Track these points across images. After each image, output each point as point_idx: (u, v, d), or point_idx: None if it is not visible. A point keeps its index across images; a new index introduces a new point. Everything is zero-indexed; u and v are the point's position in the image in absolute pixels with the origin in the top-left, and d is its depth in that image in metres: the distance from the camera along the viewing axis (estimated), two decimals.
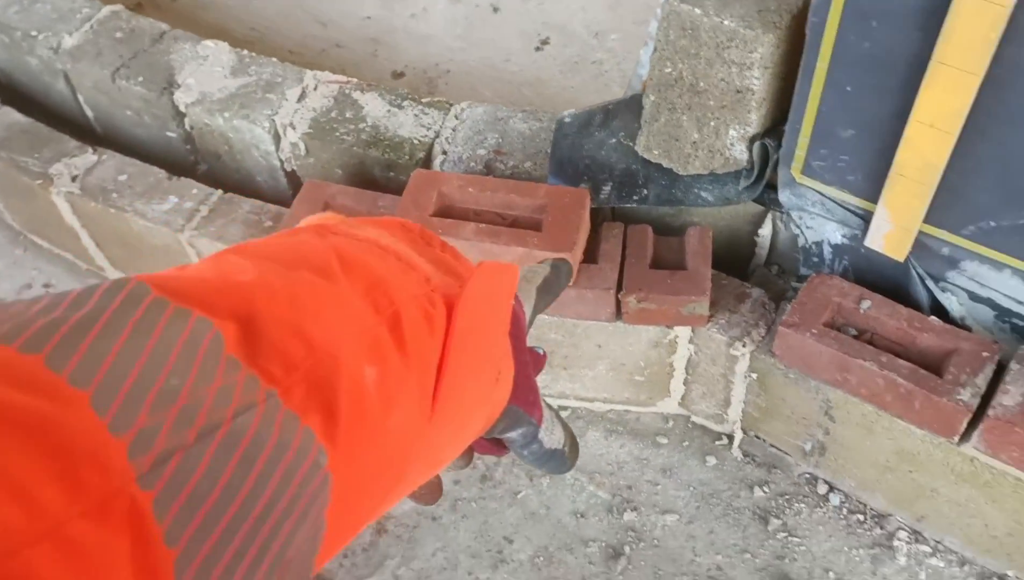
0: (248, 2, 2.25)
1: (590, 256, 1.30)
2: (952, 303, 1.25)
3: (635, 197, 1.33)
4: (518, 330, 0.62)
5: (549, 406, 0.67)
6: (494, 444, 0.66)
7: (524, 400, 0.63)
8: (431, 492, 0.66)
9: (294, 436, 0.40)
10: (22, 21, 1.72)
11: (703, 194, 1.30)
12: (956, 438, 1.18)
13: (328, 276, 0.48)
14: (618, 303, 1.29)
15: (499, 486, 1.45)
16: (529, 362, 0.64)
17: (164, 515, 0.34)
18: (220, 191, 1.52)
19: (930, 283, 1.25)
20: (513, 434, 0.64)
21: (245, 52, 1.64)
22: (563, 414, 1.50)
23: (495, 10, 2.17)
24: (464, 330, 0.52)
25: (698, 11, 1.15)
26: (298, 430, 0.40)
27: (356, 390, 0.44)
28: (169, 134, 1.65)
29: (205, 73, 1.60)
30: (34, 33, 1.69)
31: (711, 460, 1.45)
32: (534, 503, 1.43)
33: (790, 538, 1.37)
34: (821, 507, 1.39)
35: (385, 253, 0.53)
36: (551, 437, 0.66)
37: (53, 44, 1.68)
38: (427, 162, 1.46)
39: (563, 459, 0.68)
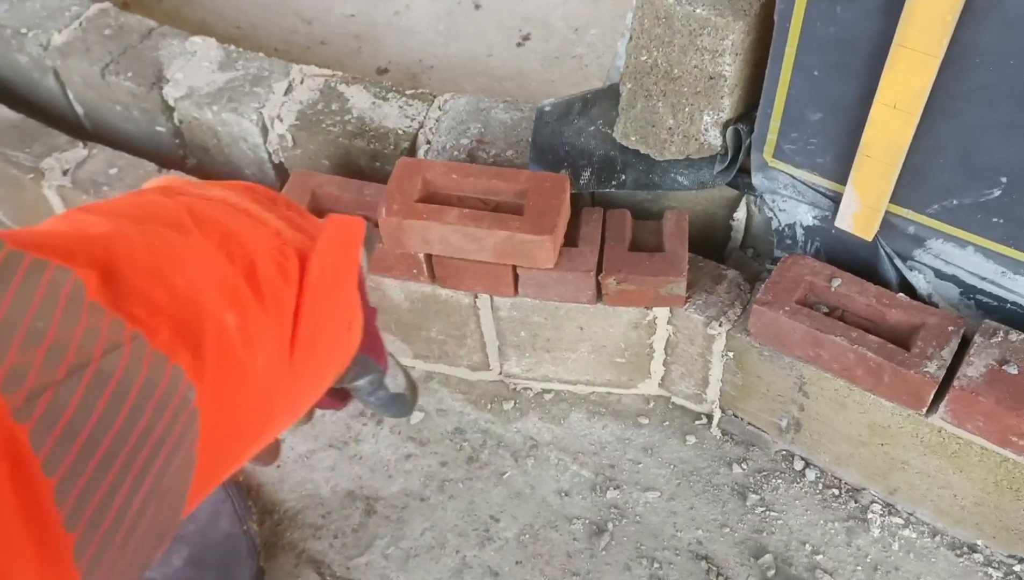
0: (232, 0, 2.28)
1: (571, 240, 1.34)
2: (919, 281, 1.30)
3: (614, 182, 1.38)
4: (363, 283, 0.66)
5: (391, 354, 0.72)
6: (336, 397, 0.70)
7: (371, 348, 0.67)
8: (270, 453, 0.70)
9: (163, 373, 0.42)
10: (11, 19, 1.74)
11: (679, 179, 1.35)
12: (924, 410, 1.23)
13: (181, 230, 0.50)
14: (598, 285, 1.33)
15: (485, 467, 1.48)
16: (373, 311, 0.69)
17: (41, 445, 0.36)
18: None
19: (898, 262, 1.30)
20: (361, 381, 0.68)
21: (232, 47, 1.67)
22: (546, 397, 1.54)
23: (477, 6, 2.21)
24: (317, 280, 0.55)
25: (671, 0, 1.19)
26: (167, 367, 0.42)
27: (220, 333, 0.46)
28: (158, 128, 1.68)
29: (193, 68, 1.63)
30: (23, 30, 1.72)
31: (691, 439, 1.49)
32: (519, 483, 1.46)
33: (768, 512, 1.41)
34: (797, 482, 1.44)
35: (235, 209, 0.56)
36: (395, 382, 0.72)
37: (43, 41, 1.70)
38: (412, 152, 1.50)
39: (404, 402, 0.73)
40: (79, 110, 1.78)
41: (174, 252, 0.47)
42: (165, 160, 1.65)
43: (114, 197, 0.55)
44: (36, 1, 1.78)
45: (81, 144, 1.61)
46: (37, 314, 0.38)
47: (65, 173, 1.57)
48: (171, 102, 1.61)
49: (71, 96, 1.76)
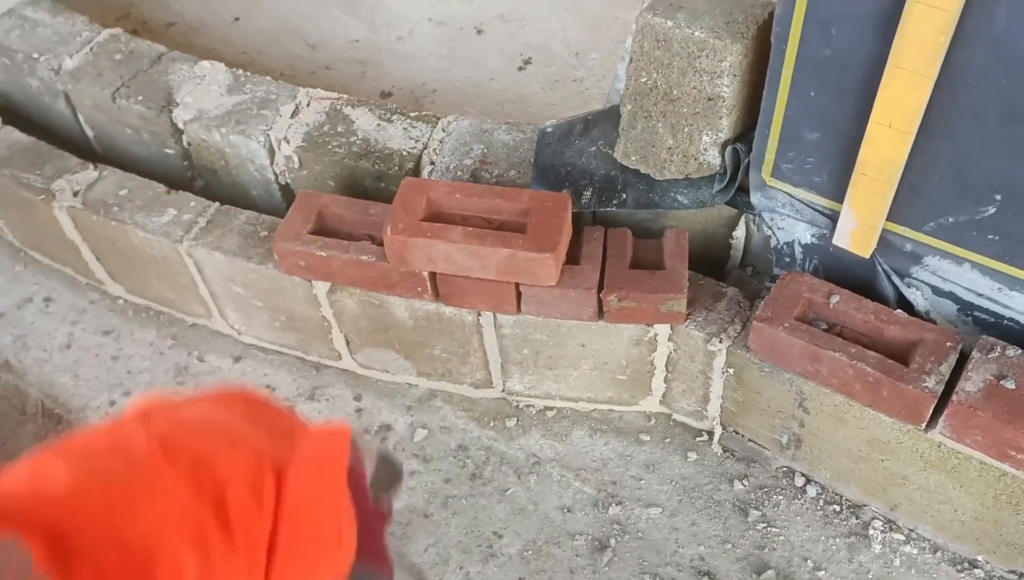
0: (239, 27, 2.32)
1: (573, 258, 1.37)
2: (917, 298, 1.32)
3: (614, 201, 1.40)
4: (359, 486, 0.65)
5: (400, 558, 0.71)
6: None
7: (371, 554, 0.66)
8: None
9: None
10: (23, 44, 1.78)
11: (679, 197, 1.37)
12: (923, 425, 1.24)
13: (147, 466, 0.51)
14: (600, 302, 1.35)
15: (488, 483, 1.50)
16: (374, 515, 0.67)
17: None
18: (217, 203, 1.57)
19: (896, 279, 1.32)
20: None
21: (240, 71, 1.70)
22: (548, 414, 1.56)
23: (479, 32, 2.25)
24: (297, 499, 0.55)
25: (670, 23, 1.22)
26: None
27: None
28: (167, 151, 1.71)
29: (202, 92, 1.66)
30: (35, 55, 1.75)
31: (692, 456, 1.50)
32: (522, 499, 1.47)
33: (769, 529, 1.42)
34: (799, 499, 1.45)
35: (212, 429, 0.56)
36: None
37: (54, 66, 1.74)
38: (416, 172, 1.53)
39: None
40: (89, 133, 1.81)
41: (133, 496, 0.48)
42: (174, 182, 1.67)
43: (92, 429, 0.56)
44: (47, 27, 1.82)
45: (92, 166, 1.64)
46: None
47: (76, 194, 1.59)
48: (180, 125, 1.64)
49: (82, 119, 1.79)
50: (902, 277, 1.31)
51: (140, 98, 1.67)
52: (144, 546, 0.46)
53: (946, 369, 1.21)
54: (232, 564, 0.50)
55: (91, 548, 0.44)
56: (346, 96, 1.64)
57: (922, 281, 1.29)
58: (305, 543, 0.55)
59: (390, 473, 0.80)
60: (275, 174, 1.62)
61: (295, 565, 0.54)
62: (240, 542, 0.50)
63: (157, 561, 0.46)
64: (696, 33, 1.21)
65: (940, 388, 1.20)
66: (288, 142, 1.56)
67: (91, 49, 1.77)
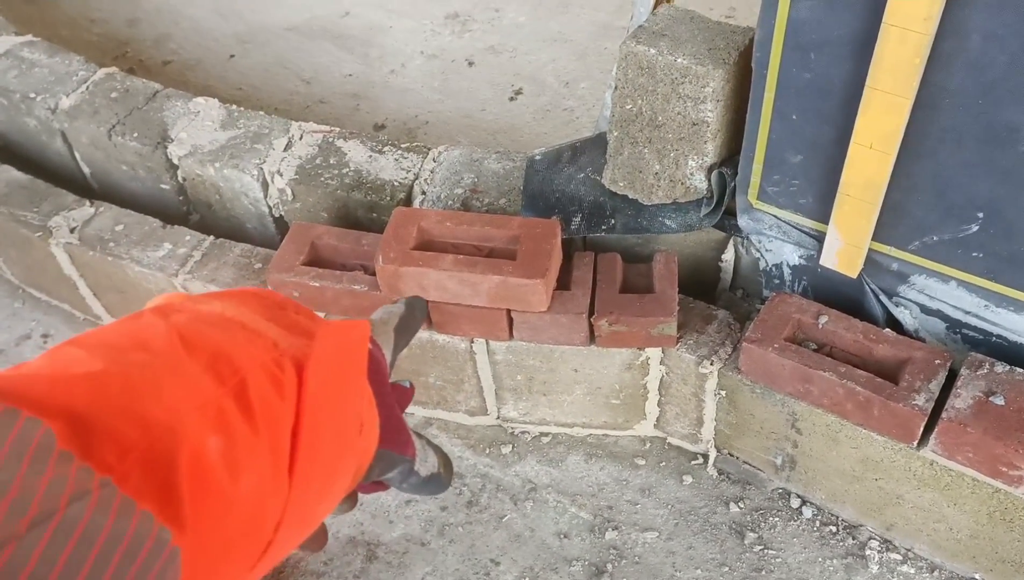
0: (234, 63, 2.36)
1: (563, 283, 1.38)
2: (906, 317, 1.33)
3: (603, 227, 1.42)
4: (379, 375, 0.65)
5: (418, 434, 0.71)
6: (375, 484, 0.69)
7: (394, 441, 0.66)
8: (316, 540, 0.69)
9: (130, 519, 0.42)
10: (20, 84, 1.81)
11: (667, 222, 1.39)
12: (915, 443, 1.24)
13: (168, 354, 0.50)
14: (591, 327, 1.36)
15: (485, 510, 1.50)
16: (394, 402, 0.67)
17: None
18: (212, 237, 1.59)
19: (884, 298, 1.33)
20: (391, 474, 0.67)
21: (234, 107, 1.73)
22: (543, 440, 1.56)
23: (470, 64, 2.28)
24: (317, 389, 0.55)
25: (653, 51, 1.24)
26: (135, 513, 0.42)
27: (198, 463, 0.46)
28: (163, 186, 1.73)
29: (196, 127, 1.69)
30: (32, 95, 1.78)
31: (688, 479, 1.51)
32: (519, 526, 1.47)
33: (766, 551, 1.41)
34: (795, 520, 1.45)
35: (230, 324, 0.56)
36: (426, 465, 0.70)
37: (51, 105, 1.77)
38: (407, 202, 1.54)
39: (439, 481, 0.72)
40: (86, 170, 1.84)
41: (155, 381, 0.48)
42: (170, 217, 1.69)
43: (110, 323, 0.56)
44: (44, 67, 1.85)
45: (88, 203, 1.66)
46: (4, 464, 0.39)
47: (72, 231, 1.61)
48: (175, 160, 1.66)
49: (78, 157, 1.82)
50: (890, 296, 1.32)
51: (136, 135, 1.69)
52: (167, 426, 0.45)
53: (936, 387, 1.22)
54: (255, 448, 0.49)
55: (113, 427, 0.44)
56: (338, 129, 1.67)
57: (910, 300, 1.31)
58: (327, 433, 0.55)
59: (415, 321, 0.79)
60: (269, 207, 1.64)
61: (318, 454, 0.54)
62: (263, 427, 0.50)
63: (181, 439, 0.45)
64: (679, 60, 1.23)
65: (930, 406, 1.20)
66: (281, 175, 1.58)
67: (87, 88, 1.80)
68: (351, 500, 0.69)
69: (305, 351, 0.56)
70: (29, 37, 1.94)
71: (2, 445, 0.40)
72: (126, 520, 0.41)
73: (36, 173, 1.75)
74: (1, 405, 0.41)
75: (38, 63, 1.86)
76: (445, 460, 0.74)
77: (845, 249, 1.27)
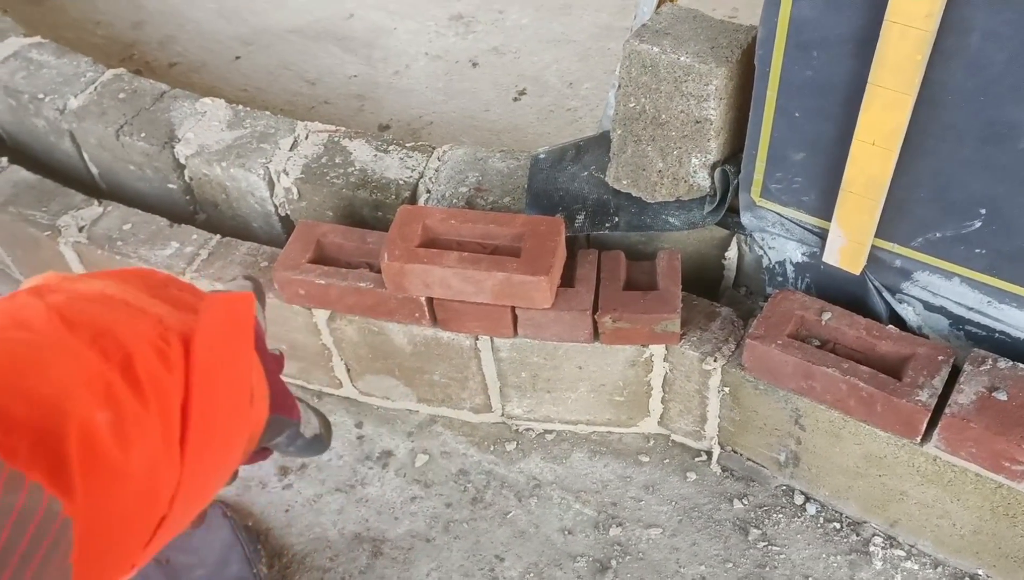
0: (238, 65, 2.37)
1: (567, 281, 1.39)
2: (909, 313, 1.33)
3: (607, 225, 1.42)
4: (261, 343, 0.65)
5: (298, 398, 0.71)
6: (257, 456, 0.69)
7: (282, 406, 0.67)
8: (197, 517, 0.68)
9: (19, 492, 0.42)
10: (28, 85, 1.82)
11: (670, 219, 1.39)
12: (918, 438, 1.25)
13: (49, 332, 0.50)
14: (595, 324, 1.37)
15: (489, 507, 1.50)
16: (277, 369, 0.67)
17: None
18: (218, 236, 1.60)
19: (887, 295, 1.33)
20: (278, 439, 0.68)
21: (240, 107, 1.74)
22: (548, 437, 1.57)
23: (474, 65, 2.29)
24: (205, 361, 0.54)
25: (656, 49, 1.25)
26: (23, 486, 0.42)
27: (87, 436, 0.46)
28: (170, 186, 1.74)
29: (203, 127, 1.70)
30: (40, 96, 1.80)
31: (691, 476, 1.51)
32: (523, 522, 1.48)
33: (770, 547, 1.42)
34: (799, 517, 1.45)
35: (111, 301, 0.55)
36: (309, 427, 0.72)
37: (59, 105, 1.78)
38: (412, 201, 1.55)
39: (321, 442, 0.74)
40: (94, 171, 1.85)
41: (38, 359, 0.48)
42: (177, 216, 1.70)
43: None
44: (52, 68, 1.86)
45: (96, 202, 1.68)
46: None
47: (81, 230, 1.62)
48: (182, 160, 1.68)
49: (87, 157, 1.83)
50: (893, 293, 1.32)
51: (143, 135, 1.70)
52: (54, 402, 0.45)
53: (939, 382, 1.23)
54: (145, 422, 0.49)
55: (0, 405, 0.44)
56: (343, 128, 1.68)
57: (913, 296, 1.31)
58: (219, 404, 0.55)
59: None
60: (275, 206, 1.65)
61: (210, 426, 0.54)
62: (152, 401, 0.50)
63: (68, 415, 0.45)
64: (682, 58, 1.24)
65: (933, 401, 1.21)
66: (287, 174, 1.60)
67: (95, 89, 1.81)
68: (233, 474, 0.69)
69: (191, 325, 0.56)
70: (37, 38, 1.96)
71: None
72: (14, 493, 0.41)
73: (45, 173, 1.76)
74: None
75: (46, 64, 1.87)
76: (324, 421, 0.75)
77: (848, 246, 1.28)
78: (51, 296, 0.54)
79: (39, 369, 0.47)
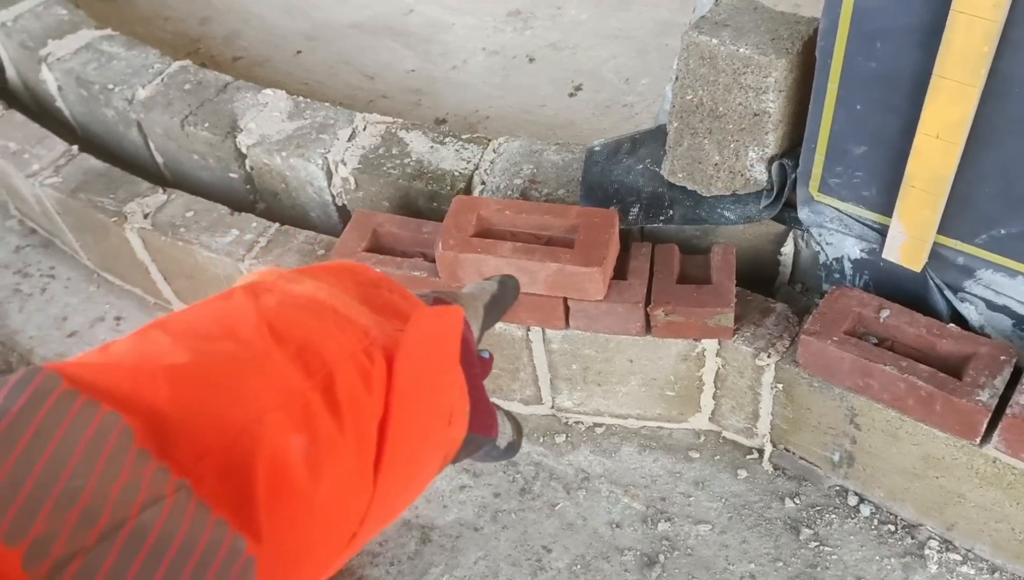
0: (300, 60, 2.41)
1: (620, 273, 1.38)
2: (971, 312, 1.30)
3: (661, 217, 1.42)
4: (469, 357, 0.62)
5: (496, 406, 0.68)
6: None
7: (483, 425, 0.63)
8: None
9: (204, 527, 0.40)
10: (99, 76, 1.88)
11: (726, 213, 1.38)
12: (977, 440, 1.22)
13: (254, 345, 0.48)
14: (647, 317, 1.37)
15: (537, 498, 1.51)
16: (482, 385, 0.64)
17: None
18: (277, 224, 1.64)
19: (948, 293, 1.30)
20: (475, 454, 0.66)
21: (301, 98, 1.77)
22: (597, 431, 1.57)
23: (531, 60, 2.30)
24: (407, 382, 0.52)
25: (715, 41, 1.24)
26: (209, 521, 0.40)
27: (277, 466, 0.44)
28: (231, 175, 1.79)
29: (265, 118, 1.74)
30: (111, 86, 1.85)
31: (742, 473, 1.50)
32: (571, 514, 1.48)
33: (822, 548, 1.40)
34: (852, 518, 1.43)
35: (322, 308, 0.53)
36: (504, 437, 0.69)
37: (128, 96, 1.83)
38: (467, 192, 1.57)
39: (514, 448, 0.71)
40: (159, 160, 1.90)
41: (239, 375, 0.46)
42: (237, 204, 1.74)
43: (198, 304, 0.53)
44: (122, 60, 1.92)
45: (161, 190, 1.72)
46: (75, 470, 0.37)
47: (146, 216, 1.67)
48: (244, 150, 1.71)
49: (153, 147, 1.88)
50: (955, 291, 1.30)
51: (207, 125, 1.75)
52: (244, 426, 0.44)
53: (1000, 383, 1.20)
54: (340, 447, 0.47)
55: (192, 426, 0.42)
56: (401, 120, 1.70)
57: (976, 295, 1.28)
58: (416, 427, 0.53)
59: (505, 301, 0.77)
60: (332, 196, 1.68)
61: (406, 449, 0.52)
62: (349, 426, 0.48)
63: (260, 441, 0.44)
64: (741, 50, 1.23)
65: (994, 402, 1.18)
66: (345, 164, 1.62)
67: (162, 80, 1.86)
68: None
69: (397, 339, 0.54)
70: (108, 31, 2.02)
71: (79, 441, 0.38)
72: (200, 528, 0.40)
73: (113, 162, 1.82)
74: (82, 397, 0.40)
75: (116, 56, 1.93)
76: (517, 426, 0.73)
77: (909, 242, 1.25)
78: (265, 297, 0.52)
79: (238, 387, 0.45)
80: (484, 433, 0.64)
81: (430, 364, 0.56)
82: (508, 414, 0.72)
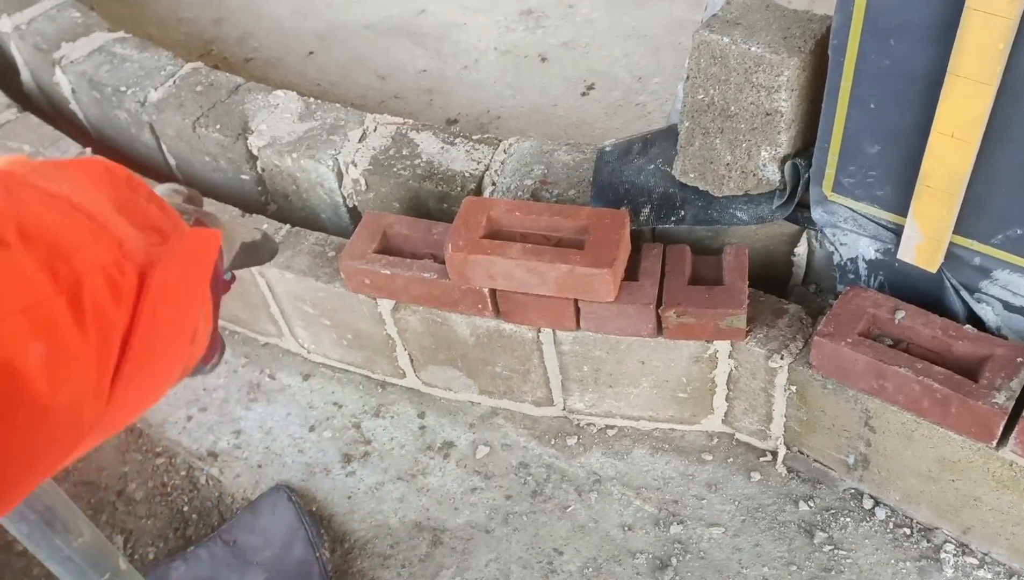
0: (312, 60, 2.42)
1: (631, 274, 1.37)
2: (987, 313, 1.28)
3: (673, 218, 1.41)
4: (217, 280, 0.65)
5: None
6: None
7: (215, 343, 0.67)
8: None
9: None
10: (112, 78, 1.89)
11: (738, 214, 1.37)
12: (994, 442, 1.20)
13: (2, 245, 0.47)
14: (658, 318, 1.35)
15: (549, 500, 1.50)
16: (219, 305, 0.67)
17: None
18: (288, 225, 1.64)
19: (965, 294, 1.29)
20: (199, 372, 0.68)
21: (312, 99, 1.77)
22: (609, 432, 1.56)
23: (543, 59, 2.29)
24: (158, 298, 0.53)
25: (726, 39, 1.23)
26: None
27: (12, 374, 0.44)
28: (243, 177, 1.79)
29: (276, 119, 1.74)
30: (123, 89, 1.86)
31: (756, 476, 1.48)
32: (583, 516, 1.47)
33: (836, 551, 1.38)
34: (867, 521, 1.41)
35: (76, 212, 0.52)
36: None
37: (140, 98, 1.84)
38: (478, 193, 1.56)
39: (215, 365, 0.73)
40: (172, 161, 1.91)
41: None
42: (249, 206, 1.75)
43: None
44: (134, 62, 1.93)
45: None
46: None
47: None
48: (255, 151, 1.72)
49: (165, 148, 1.89)
50: (971, 292, 1.28)
51: (218, 127, 1.75)
52: None
53: (1017, 385, 1.18)
54: (82, 358, 0.48)
55: None
56: (411, 121, 1.69)
57: (992, 296, 1.26)
58: (161, 341, 0.54)
59: (260, 256, 0.81)
60: (343, 197, 1.68)
61: (148, 361, 0.53)
62: (92, 336, 0.49)
63: (3, 344, 0.44)
64: (753, 48, 1.21)
65: (1011, 404, 1.16)
66: (356, 166, 1.62)
67: (174, 82, 1.87)
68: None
69: (151, 255, 0.54)
70: (121, 34, 2.03)
71: None
72: None
73: (126, 163, 1.81)
74: None
75: (129, 58, 1.94)
76: (223, 345, 0.75)
77: (924, 243, 1.23)
78: (18, 191, 0.51)
79: None
80: (215, 349, 0.67)
81: (184, 285, 0.57)
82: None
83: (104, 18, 2.12)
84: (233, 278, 0.74)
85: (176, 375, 0.61)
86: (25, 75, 2.18)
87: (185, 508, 1.58)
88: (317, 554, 1.45)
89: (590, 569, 1.41)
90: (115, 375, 0.51)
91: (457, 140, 1.64)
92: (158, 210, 0.59)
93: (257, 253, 0.81)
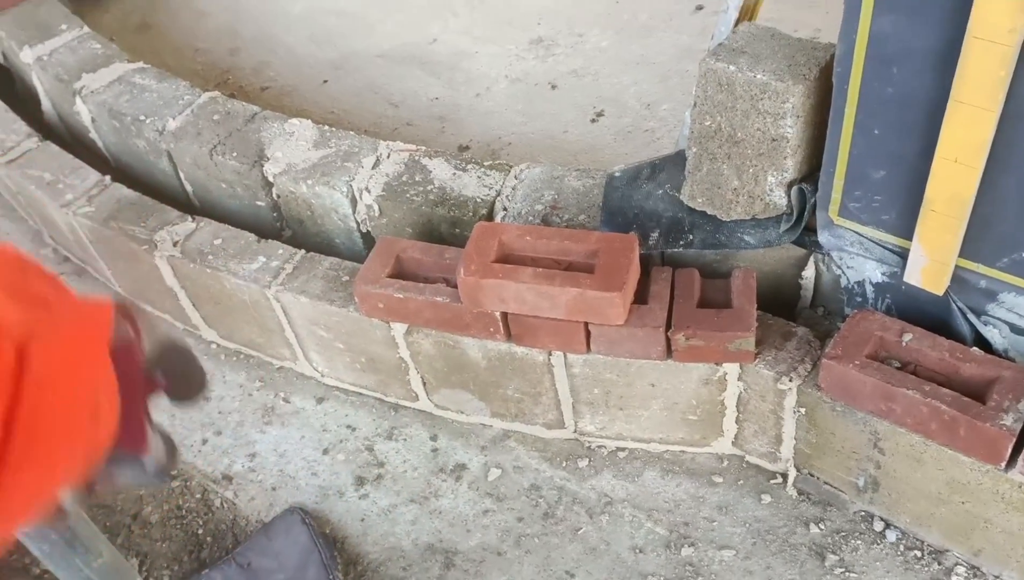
0: (327, 88, 2.46)
1: (641, 297, 1.39)
2: (995, 336, 1.29)
3: (681, 242, 1.43)
4: (131, 365, 0.63)
5: (157, 429, 0.68)
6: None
7: (131, 439, 0.64)
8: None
9: None
10: (131, 107, 1.93)
11: (746, 238, 1.39)
12: (1003, 464, 1.21)
13: None
14: (668, 341, 1.37)
15: (560, 523, 1.51)
16: (142, 400, 0.64)
17: None
18: (303, 251, 1.66)
19: (972, 317, 1.30)
20: (124, 474, 0.66)
21: (326, 127, 1.81)
22: (620, 455, 1.57)
23: (553, 87, 2.32)
24: (44, 371, 0.52)
25: (732, 68, 1.26)
26: None
27: None
28: (258, 203, 1.82)
29: (291, 147, 1.77)
30: (142, 118, 1.90)
31: (766, 498, 1.49)
32: (594, 539, 1.48)
33: (848, 574, 1.39)
34: (878, 543, 1.41)
35: None
36: (155, 459, 0.69)
37: (159, 127, 1.88)
38: (489, 218, 1.59)
39: (164, 474, 0.71)
40: (189, 188, 1.94)
41: None
42: (264, 232, 1.78)
43: None
44: (153, 92, 1.97)
45: (190, 218, 1.76)
46: None
47: (175, 244, 1.71)
48: (270, 178, 1.75)
49: (182, 176, 1.93)
50: (978, 315, 1.29)
51: (235, 154, 1.78)
52: None
53: None
54: None
55: None
56: (424, 148, 1.72)
57: (999, 318, 1.27)
58: (52, 416, 0.53)
59: (179, 361, 0.77)
60: (357, 222, 1.71)
61: (40, 438, 0.52)
62: None
63: None
64: (758, 76, 1.24)
65: (1019, 426, 1.17)
66: (369, 192, 1.65)
67: (192, 111, 1.91)
68: (88, 490, 0.68)
69: (38, 328, 0.54)
70: (140, 64, 2.07)
71: None
72: None
73: (144, 191, 1.86)
74: None
75: (148, 88, 1.98)
76: (172, 453, 0.72)
77: (930, 266, 1.25)
78: None
79: None
80: (132, 448, 0.64)
81: (74, 354, 0.56)
82: (168, 440, 0.72)
83: (123, 49, 2.18)
84: (166, 382, 0.71)
85: (80, 457, 0.58)
86: (46, 104, 2.23)
87: (200, 531, 1.60)
88: (331, 576, 1.46)
89: None
90: (2, 453, 0.50)
91: (469, 166, 1.66)
92: (48, 286, 0.58)
93: (186, 362, 0.78)
